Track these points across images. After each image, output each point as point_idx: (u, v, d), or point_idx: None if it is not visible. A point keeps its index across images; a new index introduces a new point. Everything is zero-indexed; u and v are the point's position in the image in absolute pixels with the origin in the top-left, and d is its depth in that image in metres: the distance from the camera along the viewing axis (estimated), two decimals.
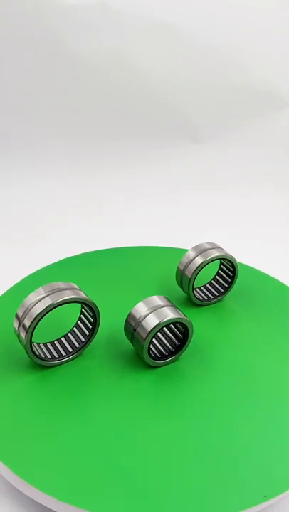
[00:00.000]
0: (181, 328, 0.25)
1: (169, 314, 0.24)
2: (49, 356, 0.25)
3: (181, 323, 0.25)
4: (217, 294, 0.31)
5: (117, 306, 0.29)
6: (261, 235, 0.45)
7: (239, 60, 0.64)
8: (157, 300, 0.25)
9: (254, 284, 0.33)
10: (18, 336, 0.24)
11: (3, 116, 0.60)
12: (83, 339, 0.26)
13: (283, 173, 0.59)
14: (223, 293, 0.31)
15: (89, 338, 0.25)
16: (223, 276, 0.31)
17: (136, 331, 0.24)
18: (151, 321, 0.24)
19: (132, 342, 0.25)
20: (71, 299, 0.23)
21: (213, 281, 0.31)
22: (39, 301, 0.23)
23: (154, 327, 0.24)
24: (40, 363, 0.24)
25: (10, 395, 0.23)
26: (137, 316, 0.25)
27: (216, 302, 0.30)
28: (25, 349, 0.24)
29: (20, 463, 0.20)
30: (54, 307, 0.23)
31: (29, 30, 0.59)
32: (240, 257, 0.35)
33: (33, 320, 0.23)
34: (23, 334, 0.23)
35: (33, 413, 0.23)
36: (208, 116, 0.64)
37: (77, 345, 0.25)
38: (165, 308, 0.24)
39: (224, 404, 0.23)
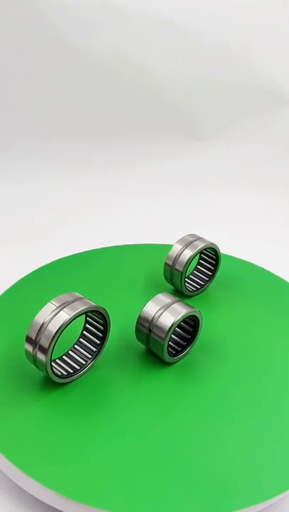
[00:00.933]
0: (191, 322, 0.26)
1: (182, 310, 0.24)
2: (65, 373, 0.24)
3: (192, 316, 0.25)
4: (203, 283, 0.31)
5: (113, 307, 0.28)
6: (262, 234, 0.46)
7: (242, 58, 0.64)
8: (164, 298, 0.25)
9: (236, 272, 0.34)
10: (34, 358, 0.22)
11: (5, 114, 0.60)
12: (95, 348, 0.25)
13: (285, 171, 0.59)
14: (208, 281, 0.32)
15: (101, 346, 0.25)
16: (206, 265, 0.32)
17: (152, 332, 0.24)
18: (167, 320, 0.24)
19: (147, 343, 0.25)
20: (85, 309, 0.23)
21: (196, 272, 0.32)
22: (53, 317, 0.22)
23: (172, 325, 0.24)
24: (60, 381, 0.23)
25: (27, 418, 0.22)
26: (150, 316, 0.24)
27: (202, 291, 0.31)
28: (46, 370, 0.22)
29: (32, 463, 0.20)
30: (70, 322, 0.22)
31: (32, 28, 0.59)
32: (240, 255, 0.36)
33: (52, 339, 0.22)
34: (41, 356, 0.22)
35: (56, 428, 0.22)
36: (210, 114, 0.64)
37: (90, 356, 0.25)
38: (175, 304, 0.25)
39: (241, 392, 0.24)
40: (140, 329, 0.25)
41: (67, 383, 0.24)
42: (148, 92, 0.62)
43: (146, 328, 0.24)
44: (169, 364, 0.25)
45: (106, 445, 0.21)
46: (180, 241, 0.30)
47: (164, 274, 0.30)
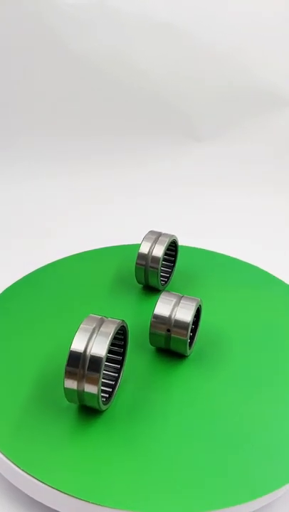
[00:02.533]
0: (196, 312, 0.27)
1: (192, 304, 0.25)
2: (106, 397, 0.22)
3: (199, 306, 0.26)
4: (168, 275, 0.33)
5: (112, 307, 0.29)
6: (261, 234, 0.46)
7: (240, 59, 0.64)
8: (169, 296, 0.26)
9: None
10: (81, 393, 0.21)
11: (3, 115, 0.59)
12: (118, 364, 0.24)
13: (284, 172, 0.59)
14: (172, 272, 0.33)
15: (124, 359, 0.24)
16: (168, 258, 0.33)
17: (171, 331, 0.25)
18: (185, 316, 0.24)
19: (166, 344, 0.25)
20: (116, 328, 0.22)
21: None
22: (94, 345, 0.21)
23: (190, 320, 0.24)
24: (105, 408, 0.22)
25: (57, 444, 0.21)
26: (165, 318, 0.25)
27: (169, 283, 0.33)
28: (97, 402, 0.21)
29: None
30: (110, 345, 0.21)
31: (28, 30, 0.58)
32: (237, 255, 0.37)
33: (101, 366, 0.20)
34: (92, 389, 0.20)
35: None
36: (209, 115, 0.64)
37: (117, 372, 0.24)
38: (182, 300, 0.25)
39: (254, 371, 0.26)
40: (157, 333, 0.25)
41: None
42: (147, 93, 0.63)
43: (164, 330, 0.25)
44: (182, 358, 0.26)
45: (158, 449, 0.21)
46: (146, 239, 0.30)
47: (137, 274, 0.30)
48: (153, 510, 0.19)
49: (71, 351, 0.21)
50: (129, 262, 0.34)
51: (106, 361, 0.24)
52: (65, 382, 0.21)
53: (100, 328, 0.21)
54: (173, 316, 0.25)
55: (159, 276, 0.30)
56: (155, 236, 0.31)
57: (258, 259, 0.36)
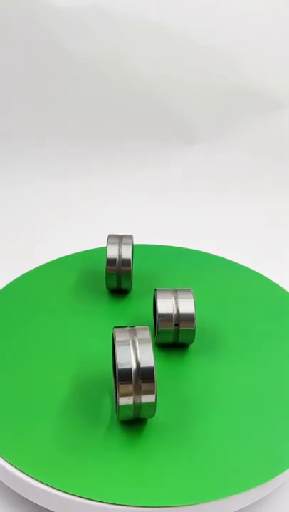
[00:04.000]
0: None
1: (189, 295, 0.26)
2: None
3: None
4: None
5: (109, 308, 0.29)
6: (254, 237, 0.46)
7: (234, 63, 0.63)
8: (165, 293, 0.26)
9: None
10: (138, 406, 0.20)
11: (1, 117, 0.61)
12: None
13: (276, 175, 0.59)
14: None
15: None
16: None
17: (179, 325, 0.25)
18: (189, 308, 0.25)
19: (174, 337, 0.25)
20: (149, 332, 0.21)
21: None
22: (140, 354, 0.20)
23: (195, 310, 0.25)
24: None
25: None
26: (170, 314, 0.25)
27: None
28: (154, 410, 0.20)
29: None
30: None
31: (24, 33, 0.59)
32: (231, 257, 0.37)
33: (154, 374, 0.20)
34: (150, 398, 0.20)
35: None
36: (203, 118, 0.64)
37: None
38: (179, 294, 0.26)
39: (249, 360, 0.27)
40: (165, 329, 0.25)
41: None
42: (141, 96, 0.62)
43: (172, 326, 0.25)
44: (184, 348, 0.27)
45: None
46: (111, 244, 0.30)
47: (108, 280, 0.30)
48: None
49: (120, 369, 0.20)
50: (90, 267, 0.35)
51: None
52: (120, 400, 0.20)
53: (135, 337, 0.21)
54: (178, 311, 0.25)
55: (132, 278, 0.30)
56: (118, 239, 0.31)
57: (249, 260, 0.37)
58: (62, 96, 0.62)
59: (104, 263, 0.31)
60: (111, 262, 0.30)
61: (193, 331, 0.26)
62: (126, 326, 0.22)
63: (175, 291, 0.26)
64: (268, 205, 0.53)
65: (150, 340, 0.21)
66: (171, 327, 0.25)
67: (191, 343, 0.26)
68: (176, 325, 0.25)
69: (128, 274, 0.30)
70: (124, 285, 0.31)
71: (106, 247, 0.30)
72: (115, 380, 0.23)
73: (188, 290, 0.27)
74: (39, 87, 0.62)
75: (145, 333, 0.21)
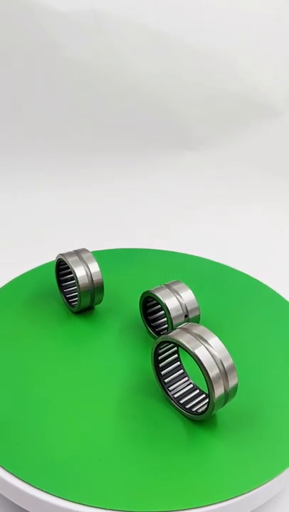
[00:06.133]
0: None
1: (183, 285, 0.27)
2: None
3: None
4: None
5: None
6: (251, 244, 0.46)
7: (233, 70, 0.64)
8: (161, 289, 0.26)
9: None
10: (228, 392, 0.20)
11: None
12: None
13: (274, 180, 0.59)
14: None
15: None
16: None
17: (188, 316, 0.26)
18: (189, 297, 0.26)
19: None
20: None
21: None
22: (213, 347, 0.20)
23: (194, 296, 0.26)
24: None
25: None
26: (178, 307, 0.26)
27: None
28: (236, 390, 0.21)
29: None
30: None
31: (23, 37, 0.59)
32: (227, 262, 0.37)
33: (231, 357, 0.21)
34: (234, 380, 0.20)
35: None
36: (202, 124, 0.65)
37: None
38: (174, 287, 0.27)
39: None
40: (177, 323, 0.26)
41: None
42: (139, 102, 0.63)
43: (183, 318, 0.26)
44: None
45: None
46: (73, 262, 0.28)
47: (83, 301, 0.28)
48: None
49: (207, 372, 0.20)
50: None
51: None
52: (216, 392, 0.20)
53: (197, 331, 0.21)
54: (183, 302, 0.26)
55: (103, 289, 0.29)
56: (76, 256, 0.29)
57: (248, 266, 0.37)
58: (61, 101, 0.62)
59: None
60: (83, 280, 0.28)
61: (199, 316, 0.27)
62: (182, 327, 0.22)
63: (167, 286, 0.27)
64: (267, 211, 0.54)
65: (212, 333, 0.22)
66: (182, 319, 0.26)
67: None
68: (186, 316, 0.26)
69: (100, 288, 0.29)
70: (97, 300, 0.29)
71: (71, 269, 0.28)
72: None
73: (177, 281, 0.28)
74: (37, 91, 0.61)
75: (200, 326, 0.22)
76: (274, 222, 0.51)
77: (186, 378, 0.24)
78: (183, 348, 0.21)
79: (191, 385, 0.24)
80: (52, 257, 0.34)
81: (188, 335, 0.21)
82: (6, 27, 0.58)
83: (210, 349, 0.21)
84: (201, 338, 0.21)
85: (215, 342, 0.21)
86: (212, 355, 0.21)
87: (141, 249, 0.39)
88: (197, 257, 0.38)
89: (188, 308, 0.26)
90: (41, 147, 0.61)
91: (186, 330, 0.22)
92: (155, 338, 0.27)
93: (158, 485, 0.19)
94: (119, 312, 0.30)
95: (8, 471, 0.20)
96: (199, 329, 0.22)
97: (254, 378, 0.25)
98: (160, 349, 0.23)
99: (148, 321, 0.28)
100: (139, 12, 0.61)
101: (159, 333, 0.27)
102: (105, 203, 0.54)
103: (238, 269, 0.36)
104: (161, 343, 0.23)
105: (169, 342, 0.22)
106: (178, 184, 0.60)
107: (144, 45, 0.62)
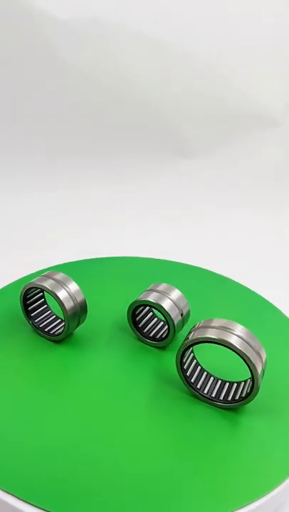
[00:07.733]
0: None
1: (165, 285, 0.27)
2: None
3: None
4: None
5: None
6: (247, 253, 0.45)
7: (230, 79, 0.64)
8: (150, 293, 0.26)
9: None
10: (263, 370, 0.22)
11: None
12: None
13: (272, 190, 0.60)
14: None
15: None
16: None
17: (183, 314, 0.26)
18: (178, 293, 0.27)
19: (181, 325, 0.26)
20: None
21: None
22: (223, 331, 0.22)
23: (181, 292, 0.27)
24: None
25: None
26: (175, 308, 0.26)
27: None
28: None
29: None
30: None
31: (24, 44, 0.59)
32: (222, 272, 0.37)
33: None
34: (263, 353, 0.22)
35: None
36: (198, 133, 0.64)
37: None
38: (160, 289, 0.27)
39: None
40: (178, 324, 0.26)
41: None
42: (136, 110, 0.63)
43: (180, 317, 0.26)
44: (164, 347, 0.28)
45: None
46: (53, 286, 0.26)
47: (71, 326, 0.26)
48: None
49: (244, 353, 0.21)
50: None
51: None
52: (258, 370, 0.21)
53: (217, 324, 0.22)
54: (178, 302, 0.26)
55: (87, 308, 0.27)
56: (52, 279, 0.26)
57: (242, 275, 0.36)
58: (58, 108, 0.62)
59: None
60: (66, 300, 0.26)
61: (189, 311, 0.28)
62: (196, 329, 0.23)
63: (153, 290, 0.27)
64: (265, 221, 0.53)
65: (236, 323, 0.23)
66: (180, 317, 0.27)
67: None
68: (182, 315, 0.27)
69: (83, 303, 0.27)
70: (82, 320, 0.28)
71: (52, 295, 0.26)
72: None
73: (158, 283, 0.28)
74: (36, 99, 0.61)
75: (221, 321, 0.23)
76: (270, 231, 0.51)
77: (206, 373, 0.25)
78: (226, 346, 0.22)
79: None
80: (15, 275, 0.33)
81: (213, 329, 0.22)
82: (5, 32, 0.58)
83: (242, 336, 0.22)
84: (226, 329, 0.22)
85: (242, 328, 0.23)
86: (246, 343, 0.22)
87: (108, 258, 0.38)
88: (174, 262, 0.38)
89: (181, 306, 0.27)
90: (39, 152, 0.61)
91: (208, 326, 0.23)
92: (150, 344, 0.27)
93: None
94: (98, 329, 0.29)
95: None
96: (221, 322, 0.23)
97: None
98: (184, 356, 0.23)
99: (138, 329, 0.28)
100: (138, 20, 0.61)
101: (154, 338, 0.27)
102: (96, 210, 0.53)
103: (232, 278, 0.36)
104: (186, 349, 0.23)
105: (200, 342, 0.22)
106: (172, 193, 0.59)
107: (142, 53, 0.63)
